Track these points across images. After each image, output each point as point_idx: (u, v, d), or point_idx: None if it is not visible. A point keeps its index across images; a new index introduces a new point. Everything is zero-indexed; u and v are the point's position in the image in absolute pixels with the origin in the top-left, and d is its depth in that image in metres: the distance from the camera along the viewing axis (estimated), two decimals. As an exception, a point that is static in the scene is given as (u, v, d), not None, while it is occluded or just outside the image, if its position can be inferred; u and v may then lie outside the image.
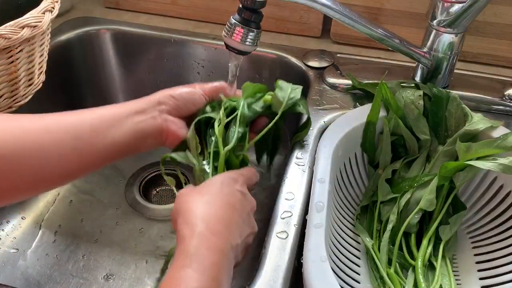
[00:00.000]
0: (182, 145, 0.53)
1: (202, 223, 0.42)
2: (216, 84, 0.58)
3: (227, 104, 0.56)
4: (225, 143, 0.52)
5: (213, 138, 0.53)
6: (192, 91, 0.56)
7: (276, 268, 0.47)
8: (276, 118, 0.56)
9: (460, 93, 0.66)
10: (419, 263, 0.53)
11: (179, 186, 0.52)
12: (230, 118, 0.54)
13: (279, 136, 0.61)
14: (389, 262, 0.54)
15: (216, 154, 0.52)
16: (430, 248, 0.55)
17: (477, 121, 0.59)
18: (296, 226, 0.51)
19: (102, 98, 0.92)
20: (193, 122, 0.54)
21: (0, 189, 0.43)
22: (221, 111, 0.55)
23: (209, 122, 0.55)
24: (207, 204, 0.45)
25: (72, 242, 0.73)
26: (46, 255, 0.71)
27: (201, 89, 0.56)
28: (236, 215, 0.46)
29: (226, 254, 0.42)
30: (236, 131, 0.53)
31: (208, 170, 0.51)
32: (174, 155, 0.52)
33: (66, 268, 0.69)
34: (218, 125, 0.53)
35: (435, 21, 0.65)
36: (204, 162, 0.52)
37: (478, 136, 0.58)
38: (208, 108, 0.56)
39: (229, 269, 0.42)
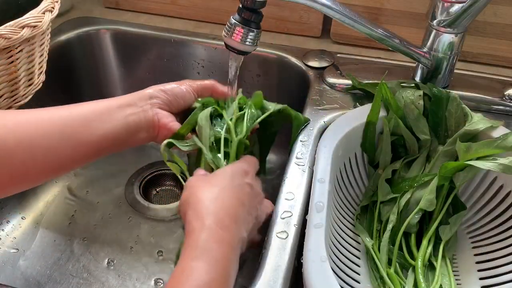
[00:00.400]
0: (176, 137, 0.54)
1: (211, 216, 0.43)
2: (205, 82, 0.59)
3: (239, 101, 0.59)
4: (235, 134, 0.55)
5: (219, 129, 0.55)
6: (182, 88, 0.57)
7: (276, 268, 0.47)
8: (271, 111, 0.59)
9: (460, 93, 0.66)
10: (419, 263, 0.53)
11: (182, 184, 0.52)
12: (240, 113, 0.57)
13: (266, 148, 0.64)
14: (389, 262, 0.54)
15: (225, 141, 0.54)
16: (430, 248, 0.55)
17: (477, 121, 0.59)
18: (296, 226, 0.51)
19: (102, 98, 0.92)
20: (205, 112, 0.55)
21: None
22: (235, 103, 0.58)
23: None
24: (217, 198, 0.45)
25: (72, 242, 0.73)
26: (46, 255, 0.71)
27: (190, 86, 0.57)
28: (244, 211, 0.46)
29: (234, 248, 0.43)
30: (245, 123, 0.56)
31: (220, 156, 0.53)
32: (176, 143, 0.53)
33: (66, 268, 0.69)
34: (230, 118, 0.56)
35: (435, 21, 0.65)
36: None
37: (478, 136, 0.58)
38: (196, 104, 0.58)
39: (237, 262, 0.43)
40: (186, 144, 0.54)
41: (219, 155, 0.53)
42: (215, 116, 0.57)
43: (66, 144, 0.47)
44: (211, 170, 0.52)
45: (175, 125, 0.54)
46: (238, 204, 0.46)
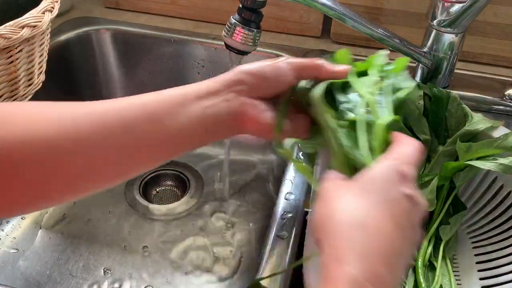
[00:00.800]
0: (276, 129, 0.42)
1: (358, 261, 0.30)
2: (308, 60, 0.45)
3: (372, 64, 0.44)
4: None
5: (351, 113, 0.39)
6: (276, 66, 0.44)
7: (276, 268, 0.47)
8: (413, 87, 0.42)
9: (460, 93, 0.66)
10: (419, 263, 0.53)
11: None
12: (379, 80, 0.41)
13: None
14: (389, 262, 0.54)
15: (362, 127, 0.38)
16: (430, 248, 0.55)
17: (477, 121, 0.59)
18: (296, 226, 0.51)
19: (102, 98, 0.92)
20: (319, 88, 0.41)
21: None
22: (374, 70, 0.42)
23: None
24: (365, 226, 0.31)
25: (72, 242, 0.73)
26: (46, 255, 0.71)
27: (288, 64, 0.44)
28: (404, 242, 0.32)
29: None
30: (390, 97, 0.39)
31: (364, 152, 0.36)
32: (301, 143, 0.42)
33: (66, 268, 0.69)
34: (367, 89, 0.40)
35: (435, 21, 0.65)
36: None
37: (478, 136, 0.58)
38: (301, 87, 0.44)
39: None
40: (310, 143, 0.42)
41: (364, 151, 0.36)
42: (333, 91, 0.42)
43: (130, 144, 0.38)
44: (349, 171, 0.36)
45: (266, 116, 0.42)
46: (396, 233, 0.32)
